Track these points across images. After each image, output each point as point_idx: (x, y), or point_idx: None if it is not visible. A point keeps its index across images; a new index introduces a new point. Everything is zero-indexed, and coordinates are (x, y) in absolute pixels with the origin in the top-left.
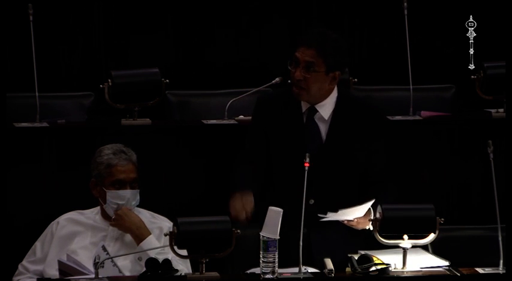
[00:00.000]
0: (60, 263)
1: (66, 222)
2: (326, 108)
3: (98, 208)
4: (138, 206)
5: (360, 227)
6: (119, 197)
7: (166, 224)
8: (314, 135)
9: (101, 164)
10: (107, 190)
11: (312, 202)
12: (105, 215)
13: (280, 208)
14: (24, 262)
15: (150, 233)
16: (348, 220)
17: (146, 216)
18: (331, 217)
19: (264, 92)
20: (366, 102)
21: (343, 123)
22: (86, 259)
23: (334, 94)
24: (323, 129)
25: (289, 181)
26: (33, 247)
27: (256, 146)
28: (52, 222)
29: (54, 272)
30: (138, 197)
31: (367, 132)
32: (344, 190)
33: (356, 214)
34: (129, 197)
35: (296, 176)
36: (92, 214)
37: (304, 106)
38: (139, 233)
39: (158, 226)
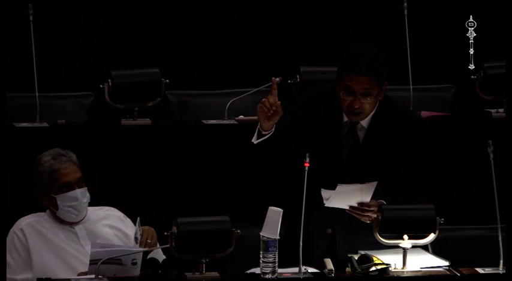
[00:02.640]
0: (94, 253)
1: (30, 226)
2: (367, 118)
3: (48, 213)
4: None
5: (366, 219)
6: (70, 199)
7: (116, 214)
8: (351, 139)
9: (44, 173)
10: (56, 195)
11: None
12: (59, 219)
13: (307, 208)
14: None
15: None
16: (353, 209)
17: (94, 209)
18: (333, 199)
19: (313, 87)
20: (406, 110)
21: (380, 129)
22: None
23: None
24: (361, 133)
25: (319, 181)
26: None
27: (284, 134)
28: (12, 230)
29: (50, 274)
30: (88, 195)
31: (401, 140)
32: (375, 194)
33: (357, 197)
34: (79, 196)
35: (327, 177)
36: (45, 217)
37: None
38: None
39: (107, 214)
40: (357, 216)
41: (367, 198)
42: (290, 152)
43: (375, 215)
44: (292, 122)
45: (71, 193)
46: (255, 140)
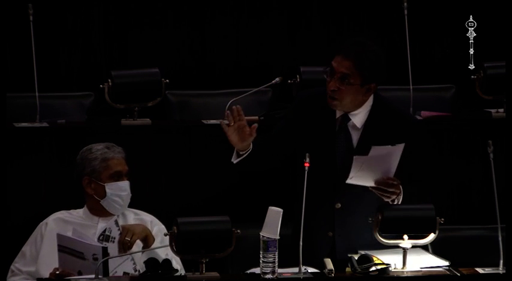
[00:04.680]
0: (59, 236)
1: (54, 222)
2: (359, 117)
3: (84, 208)
4: (130, 205)
5: (388, 195)
6: (120, 189)
7: (149, 220)
8: (345, 142)
9: (95, 160)
10: (105, 183)
11: (338, 206)
12: (94, 211)
13: (305, 210)
14: (16, 264)
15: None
16: (373, 187)
17: (131, 215)
18: (356, 176)
19: (305, 90)
20: (402, 111)
21: (376, 131)
22: None
23: (369, 103)
24: (355, 136)
25: (315, 184)
26: (23, 249)
27: (277, 139)
28: (40, 223)
29: (46, 272)
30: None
31: (398, 141)
32: (371, 196)
33: (384, 165)
34: (127, 188)
35: (322, 180)
36: (79, 213)
37: (339, 112)
38: (148, 241)
39: (144, 222)
40: (381, 193)
41: (395, 163)
42: (284, 158)
43: (395, 196)
44: (286, 126)
45: (122, 183)
46: (234, 160)
